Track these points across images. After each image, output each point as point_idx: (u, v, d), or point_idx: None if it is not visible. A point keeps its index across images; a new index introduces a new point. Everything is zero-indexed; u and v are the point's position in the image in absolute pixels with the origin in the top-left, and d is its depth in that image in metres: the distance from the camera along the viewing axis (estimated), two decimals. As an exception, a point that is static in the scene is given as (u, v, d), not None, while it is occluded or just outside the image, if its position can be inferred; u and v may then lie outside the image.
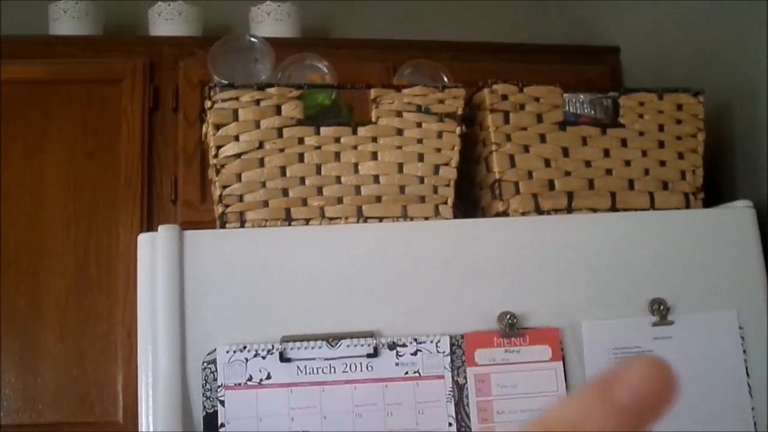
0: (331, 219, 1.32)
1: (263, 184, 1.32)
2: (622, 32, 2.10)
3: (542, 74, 1.66)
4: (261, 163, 1.32)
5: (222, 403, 1.16)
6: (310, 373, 1.19)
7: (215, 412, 1.16)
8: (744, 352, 1.28)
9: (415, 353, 1.21)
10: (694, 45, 1.74)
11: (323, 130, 1.34)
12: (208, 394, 1.17)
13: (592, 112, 1.45)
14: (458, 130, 1.37)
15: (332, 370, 1.19)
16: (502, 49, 2.09)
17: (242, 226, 1.30)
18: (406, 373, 1.21)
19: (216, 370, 1.18)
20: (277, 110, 1.33)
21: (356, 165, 1.34)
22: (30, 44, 1.90)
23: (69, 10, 2.05)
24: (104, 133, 1.86)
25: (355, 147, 1.34)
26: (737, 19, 1.57)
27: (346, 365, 1.20)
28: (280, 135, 1.33)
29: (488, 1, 2.44)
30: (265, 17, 2.09)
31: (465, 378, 1.21)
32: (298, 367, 1.19)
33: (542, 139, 1.39)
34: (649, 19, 1.96)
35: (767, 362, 1.29)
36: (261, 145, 1.32)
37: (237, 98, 1.32)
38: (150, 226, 1.75)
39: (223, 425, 1.15)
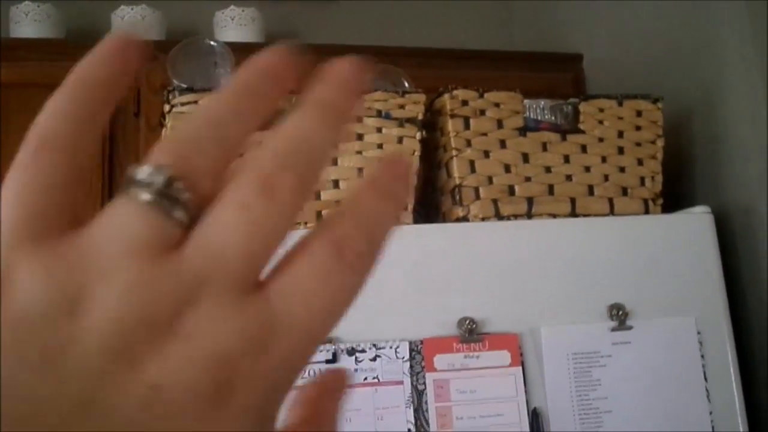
0: (290, 224, 1.31)
1: (222, 189, 1.30)
2: (585, 40, 2.12)
3: (506, 81, 1.66)
4: (220, 167, 1.31)
5: (178, 410, 1.15)
6: (268, 380, 1.18)
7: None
8: (702, 357, 1.29)
9: (374, 359, 1.21)
10: (655, 53, 1.76)
11: (283, 134, 1.33)
12: (164, 400, 1.15)
13: (553, 118, 1.46)
14: (418, 135, 1.37)
15: (290, 376, 1.18)
16: (466, 56, 2.10)
17: (200, 231, 1.29)
18: (366, 378, 1.20)
19: (172, 377, 1.16)
20: (237, 114, 1.32)
21: (316, 170, 1.33)
22: (-11, 47, 1.88)
23: (30, 13, 2.02)
24: (64, 137, 1.83)
25: (315, 152, 1.33)
26: (696, 27, 1.59)
27: (305, 371, 1.19)
28: (240, 139, 1.32)
29: (453, 9, 2.44)
30: (229, 22, 2.08)
31: (424, 384, 1.21)
32: (255, 374, 1.18)
33: (502, 144, 1.40)
34: (612, 27, 1.98)
35: (725, 367, 1.30)
36: (220, 150, 1.31)
37: (196, 102, 1.31)
38: (111, 232, 1.72)
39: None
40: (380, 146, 1.35)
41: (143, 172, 0.22)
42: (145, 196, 0.21)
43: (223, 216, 0.22)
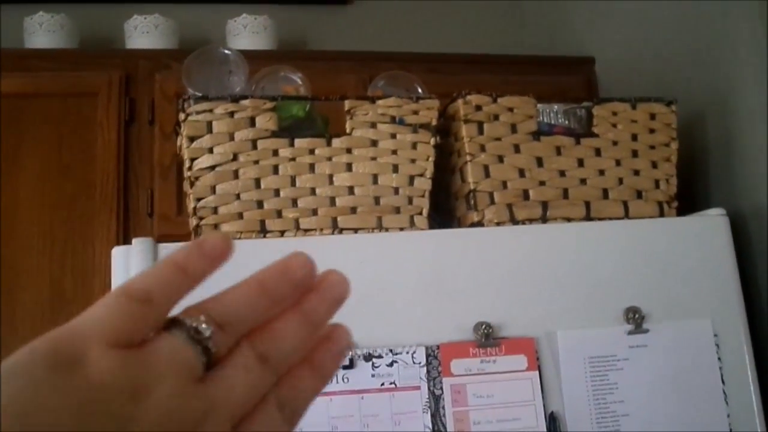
0: (306, 231, 1.32)
1: (237, 197, 1.31)
2: (597, 43, 2.12)
3: (518, 85, 1.67)
4: (235, 175, 1.32)
5: (196, 416, 1.15)
6: (285, 386, 1.18)
7: (190, 426, 1.15)
8: (719, 359, 1.29)
9: (390, 364, 1.21)
10: (668, 55, 1.76)
11: (298, 141, 1.34)
12: (183, 407, 1.16)
13: (566, 122, 1.46)
14: (433, 140, 1.37)
15: (308, 382, 1.18)
16: (478, 60, 2.10)
17: (217, 238, 1.29)
18: (382, 384, 1.20)
19: (190, 384, 1.16)
20: (251, 122, 1.33)
21: (331, 176, 1.34)
22: (4, 58, 1.89)
23: (44, 24, 2.04)
24: (80, 146, 1.85)
25: (329, 158, 1.34)
26: (710, 29, 1.59)
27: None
28: (255, 147, 1.32)
29: (464, 14, 2.45)
30: (241, 30, 2.09)
31: (441, 389, 1.21)
32: (273, 380, 1.18)
33: (516, 149, 1.40)
34: (624, 30, 1.98)
35: (742, 369, 1.29)
36: (235, 157, 1.32)
37: (211, 110, 1.32)
38: (126, 241, 1.72)
39: (197, 439, 1.14)
40: (395, 152, 1.36)
41: (200, 322, 0.32)
42: (193, 338, 0.32)
43: (235, 371, 0.32)
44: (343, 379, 1.19)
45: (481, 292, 1.27)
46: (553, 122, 1.45)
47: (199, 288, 0.34)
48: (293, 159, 1.33)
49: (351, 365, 1.20)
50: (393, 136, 1.36)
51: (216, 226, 1.30)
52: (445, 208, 1.47)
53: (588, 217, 1.40)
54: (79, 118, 1.87)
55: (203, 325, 0.32)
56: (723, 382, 1.28)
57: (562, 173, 1.41)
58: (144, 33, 2.05)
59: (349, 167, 1.34)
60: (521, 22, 2.49)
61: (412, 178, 1.36)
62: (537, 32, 2.44)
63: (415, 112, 1.37)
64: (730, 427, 1.26)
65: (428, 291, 1.26)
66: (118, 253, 1.25)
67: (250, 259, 1.25)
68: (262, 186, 1.32)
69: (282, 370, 0.34)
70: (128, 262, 1.22)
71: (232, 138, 1.32)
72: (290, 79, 1.48)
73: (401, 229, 1.34)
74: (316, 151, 1.34)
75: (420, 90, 1.56)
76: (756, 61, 1.45)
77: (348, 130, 1.36)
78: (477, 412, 1.21)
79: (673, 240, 1.35)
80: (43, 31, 2.04)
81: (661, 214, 1.43)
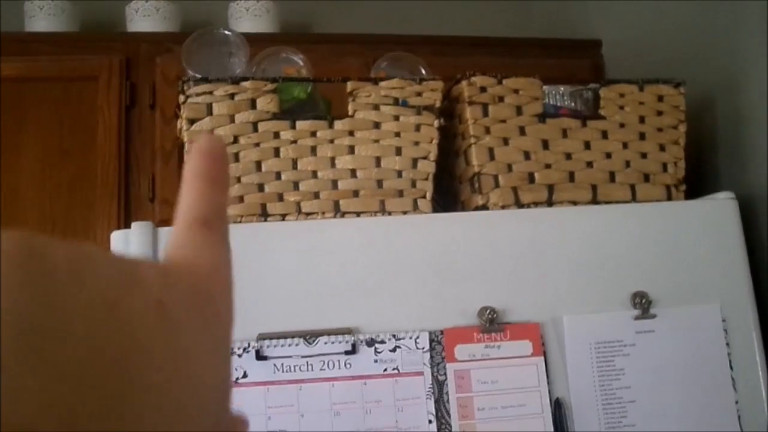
0: (307, 214, 1.30)
1: (238, 180, 1.29)
2: (604, 26, 2.09)
3: (524, 68, 1.63)
4: (236, 158, 1.30)
5: (197, 402, 1.14)
6: (287, 371, 1.17)
7: (190, 412, 1.13)
8: (727, 345, 1.27)
9: (393, 350, 1.19)
10: (676, 38, 1.73)
11: (299, 124, 1.32)
12: (183, 393, 1.14)
13: (573, 104, 1.44)
14: (436, 122, 1.35)
15: (310, 367, 1.17)
16: (483, 43, 2.07)
17: (217, 222, 1.28)
18: (385, 369, 1.19)
19: (190, 369, 1.15)
20: (252, 104, 1.31)
21: (333, 159, 1.32)
22: (4, 41, 1.87)
23: (45, 8, 2.03)
24: (80, 131, 1.83)
25: (331, 141, 1.32)
26: (718, 11, 1.56)
27: (324, 363, 1.18)
28: (255, 129, 1.30)
29: (470, -4, 2.42)
30: (243, 13, 2.07)
31: (445, 374, 1.19)
32: (274, 365, 1.17)
33: (522, 131, 1.37)
34: (631, 12, 1.95)
35: (751, 355, 1.28)
36: (236, 140, 1.30)
37: (211, 92, 1.30)
38: (127, 226, 1.71)
39: (197, 425, 1.13)
40: (398, 134, 1.34)
41: None
42: None
43: None
44: (345, 365, 1.18)
45: (486, 277, 1.25)
46: (559, 104, 1.43)
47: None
48: (295, 141, 1.31)
49: (353, 351, 1.18)
50: (396, 118, 1.34)
51: (216, 210, 1.28)
52: (449, 192, 1.45)
53: (594, 201, 1.38)
54: (80, 103, 1.85)
55: None
56: (731, 368, 1.26)
57: (569, 156, 1.39)
58: (145, 16, 2.03)
59: (351, 150, 1.32)
60: (527, 4, 2.46)
61: (415, 161, 1.34)
62: (543, 15, 2.41)
63: (419, 94, 1.35)
64: (739, 414, 1.24)
65: (432, 275, 1.25)
66: (117, 237, 1.23)
67: (251, 242, 1.24)
68: (263, 169, 1.30)
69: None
70: (127, 247, 1.21)
71: (232, 120, 1.30)
72: (292, 61, 1.46)
73: (404, 212, 1.32)
74: (318, 134, 1.32)
75: (424, 72, 1.53)
76: (766, 42, 1.42)
77: (350, 113, 1.33)
78: (481, 398, 1.19)
79: (681, 224, 1.33)
80: (43, 15, 2.02)
81: (669, 198, 1.41)
